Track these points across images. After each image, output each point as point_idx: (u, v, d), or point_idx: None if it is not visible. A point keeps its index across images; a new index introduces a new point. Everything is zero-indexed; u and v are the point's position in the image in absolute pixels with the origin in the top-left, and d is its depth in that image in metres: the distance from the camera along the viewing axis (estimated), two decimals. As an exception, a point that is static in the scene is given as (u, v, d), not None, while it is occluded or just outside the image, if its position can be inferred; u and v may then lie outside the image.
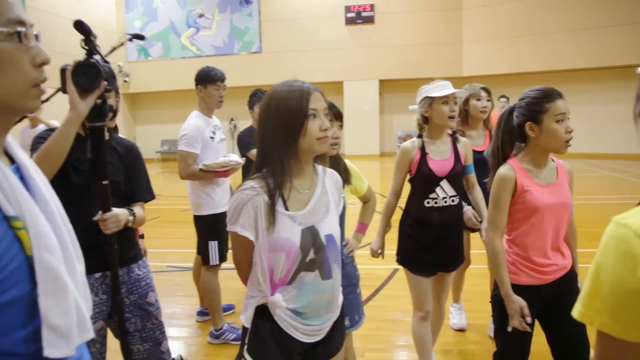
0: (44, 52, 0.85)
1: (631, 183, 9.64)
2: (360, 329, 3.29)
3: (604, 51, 12.86)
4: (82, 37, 1.67)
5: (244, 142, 3.76)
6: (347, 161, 2.29)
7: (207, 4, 16.19)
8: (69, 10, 13.00)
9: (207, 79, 3.23)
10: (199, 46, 16.33)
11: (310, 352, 1.55)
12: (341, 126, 2.13)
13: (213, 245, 3.17)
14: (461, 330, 3.33)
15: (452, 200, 2.43)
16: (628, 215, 0.80)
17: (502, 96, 8.56)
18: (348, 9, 15.42)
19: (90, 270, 1.83)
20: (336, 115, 2.06)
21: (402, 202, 2.61)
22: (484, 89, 3.13)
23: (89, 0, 14.96)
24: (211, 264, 3.17)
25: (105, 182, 1.77)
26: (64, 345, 0.81)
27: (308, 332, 1.51)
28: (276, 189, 1.46)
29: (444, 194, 2.41)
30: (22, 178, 0.86)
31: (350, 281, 2.21)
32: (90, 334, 0.88)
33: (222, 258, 3.22)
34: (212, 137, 3.21)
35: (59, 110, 1.73)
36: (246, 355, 1.52)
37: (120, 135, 2.14)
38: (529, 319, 1.85)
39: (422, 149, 2.42)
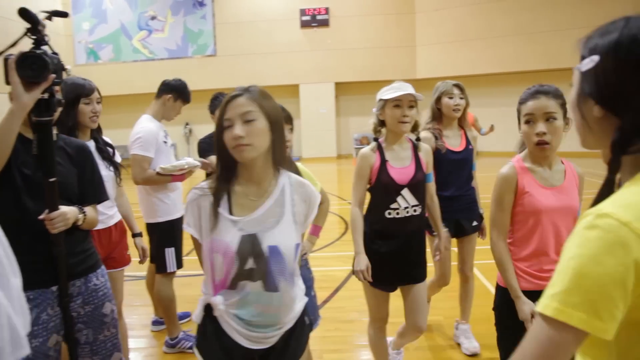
0: None
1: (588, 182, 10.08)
2: (318, 331, 3.32)
3: (549, 54, 13.45)
4: (28, 25, 1.58)
5: (202, 149, 3.73)
6: (299, 164, 2.30)
7: (160, 6, 15.85)
8: (13, 13, 12.39)
9: (184, 95, 3.24)
10: (152, 49, 15.96)
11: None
12: (291, 129, 2.13)
13: (170, 252, 3.11)
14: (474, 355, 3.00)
15: (414, 210, 2.31)
16: (604, 205, 0.79)
17: None
18: (303, 12, 15.47)
19: (46, 284, 1.79)
20: (285, 118, 2.06)
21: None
22: (457, 85, 2.96)
23: (32, 1, 14.35)
24: (168, 271, 3.11)
25: (52, 180, 1.69)
26: None
27: (252, 338, 1.51)
28: (220, 191, 1.50)
29: (406, 203, 2.29)
30: None
31: (305, 284, 2.21)
32: (25, 351, 0.85)
33: (179, 265, 3.17)
34: (165, 142, 3.17)
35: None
36: (195, 350, 1.58)
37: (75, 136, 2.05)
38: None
39: (382, 156, 2.31)
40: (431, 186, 2.48)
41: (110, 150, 2.65)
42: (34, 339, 1.71)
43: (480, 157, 3.19)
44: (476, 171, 3.12)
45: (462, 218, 2.95)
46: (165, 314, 3.19)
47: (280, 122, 1.53)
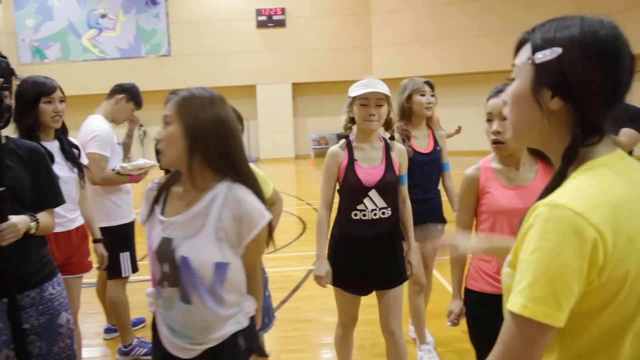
0: None
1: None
2: (276, 331, 3.33)
3: (499, 56, 13.92)
4: None
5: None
6: (251, 165, 2.28)
7: (110, 4, 15.36)
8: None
9: (136, 98, 3.18)
10: (102, 48, 15.45)
11: None
12: (242, 129, 2.10)
13: (125, 257, 3.04)
14: None
15: (383, 213, 2.19)
16: (557, 196, 0.80)
17: None
18: (259, 12, 15.38)
19: None
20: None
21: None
22: (427, 83, 2.82)
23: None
24: (123, 275, 3.04)
25: (1, 189, 1.61)
26: None
27: (174, 344, 1.47)
28: (163, 189, 1.52)
29: (373, 205, 2.17)
30: None
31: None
32: None
33: (134, 269, 3.10)
34: (118, 143, 3.12)
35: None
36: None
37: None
38: (449, 324, 1.88)
39: (350, 155, 2.20)
40: (404, 189, 2.32)
41: (76, 151, 2.57)
42: None
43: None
44: (450, 171, 2.98)
45: (429, 222, 2.78)
46: (119, 321, 3.12)
47: (205, 129, 1.39)
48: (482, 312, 1.83)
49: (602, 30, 0.84)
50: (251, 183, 1.48)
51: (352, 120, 2.24)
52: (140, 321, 3.57)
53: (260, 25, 15.45)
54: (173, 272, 1.43)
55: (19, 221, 1.65)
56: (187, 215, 1.44)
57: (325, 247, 2.29)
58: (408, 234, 2.33)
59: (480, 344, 1.83)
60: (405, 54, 14.75)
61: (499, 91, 1.72)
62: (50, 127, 2.42)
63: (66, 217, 2.46)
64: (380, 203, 2.18)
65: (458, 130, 5.09)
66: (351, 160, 2.19)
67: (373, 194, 2.17)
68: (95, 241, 2.77)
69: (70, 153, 2.52)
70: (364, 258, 2.21)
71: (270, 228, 1.52)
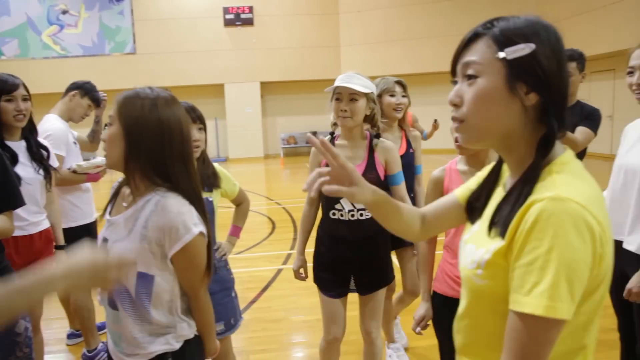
0: None
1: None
2: (245, 332, 3.32)
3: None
4: None
5: None
6: (216, 164, 2.26)
7: (71, 0, 14.92)
8: None
9: (91, 93, 3.11)
10: (64, 45, 14.98)
11: None
12: (201, 129, 2.06)
13: None
14: None
15: (361, 215, 2.11)
16: (558, 191, 0.79)
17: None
18: (226, 10, 15.23)
19: None
20: (194, 118, 2.02)
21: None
22: (399, 82, 2.71)
23: None
24: None
25: None
26: None
27: (114, 353, 1.43)
28: (118, 189, 1.49)
29: (350, 206, 2.11)
30: None
31: (224, 285, 2.20)
32: None
33: None
34: (74, 142, 3.04)
35: None
36: None
37: None
38: (419, 330, 1.86)
39: None
40: (399, 189, 2.17)
41: (44, 152, 2.49)
42: None
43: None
44: (421, 174, 2.88)
45: None
46: (83, 325, 3.03)
47: (141, 134, 1.31)
48: (447, 315, 1.83)
49: (554, 28, 0.88)
50: (191, 194, 1.36)
51: None
52: (105, 325, 3.49)
53: (228, 23, 15.30)
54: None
55: None
56: (123, 217, 1.38)
57: (303, 243, 2.29)
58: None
59: (444, 344, 1.85)
60: (374, 53, 14.89)
61: None
62: (12, 126, 2.34)
63: (28, 221, 2.38)
64: (359, 204, 2.04)
65: (436, 126, 4.84)
66: None
67: None
68: (56, 247, 2.69)
69: (37, 154, 2.44)
70: (344, 259, 2.17)
71: (209, 248, 1.40)
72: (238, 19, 15.28)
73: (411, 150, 2.77)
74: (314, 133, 17.62)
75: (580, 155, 2.72)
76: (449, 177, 1.82)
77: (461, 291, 1.01)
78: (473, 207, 1.05)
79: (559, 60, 0.86)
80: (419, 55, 14.49)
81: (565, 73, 0.88)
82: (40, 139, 2.63)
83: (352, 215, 2.11)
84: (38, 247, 2.47)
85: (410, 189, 2.76)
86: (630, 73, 1.92)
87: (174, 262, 1.35)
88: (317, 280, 2.25)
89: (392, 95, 2.66)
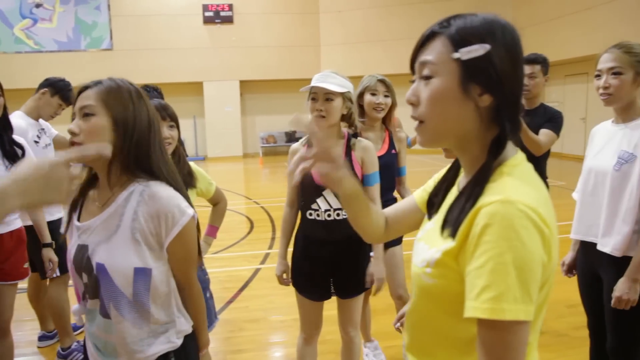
0: None
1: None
2: (222, 332, 3.29)
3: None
4: None
5: None
6: (192, 163, 2.23)
7: (46, -6, 14.59)
8: None
9: (62, 91, 3.01)
10: (38, 40, 14.63)
11: None
12: (172, 126, 2.02)
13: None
14: None
15: (338, 215, 2.08)
16: (506, 194, 0.78)
17: None
18: (206, 7, 15.07)
19: None
20: (164, 116, 1.98)
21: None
22: (382, 81, 2.61)
23: None
24: (54, 275, 2.90)
25: None
26: None
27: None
28: (81, 192, 1.37)
29: (327, 206, 2.07)
30: None
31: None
32: None
33: (64, 269, 2.96)
34: (36, 142, 2.95)
35: None
36: None
37: None
38: (398, 326, 1.87)
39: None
40: (372, 190, 2.13)
41: (19, 151, 2.42)
42: None
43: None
44: (405, 176, 2.83)
45: None
46: (58, 323, 2.97)
47: (134, 124, 1.27)
48: None
49: (511, 28, 0.86)
50: (171, 183, 1.33)
51: None
52: (81, 325, 3.43)
53: (207, 21, 15.16)
54: (91, 282, 1.29)
55: None
56: (102, 218, 1.29)
57: (285, 247, 2.25)
58: None
59: None
60: (355, 53, 14.93)
61: None
62: None
63: None
64: (335, 204, 2.07)
65: None
66: None
67: (327, 193, 2.07)
68: (43, 245, 2.63)
69: (10, 151, 2.37)
70: (320, 261, 2.14)
71: (198, 229, 1.36)
72: (217, 17, 15.15)
73: (393, 152, 2.72)
74: (293, 132, 17.59)
75: (545, 156, 2.77)
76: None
77: (412, 289, 1.01)
78: (432, 202, 1.05)
79: (513, 61, 0.84)
80: (399, 55, 14.59)
81: (519, 74, 0.86)
82: (15, 136, 2.57)
83: (329, 215, 2.08)
84: (8, 247, 2.41)
85: (391, 189, 2.73)
86: (598, 76, 1.98)
87: (169, 249, 1.30)
88: (295, 284, 2.22)
89: (373, 94, 2.59)
